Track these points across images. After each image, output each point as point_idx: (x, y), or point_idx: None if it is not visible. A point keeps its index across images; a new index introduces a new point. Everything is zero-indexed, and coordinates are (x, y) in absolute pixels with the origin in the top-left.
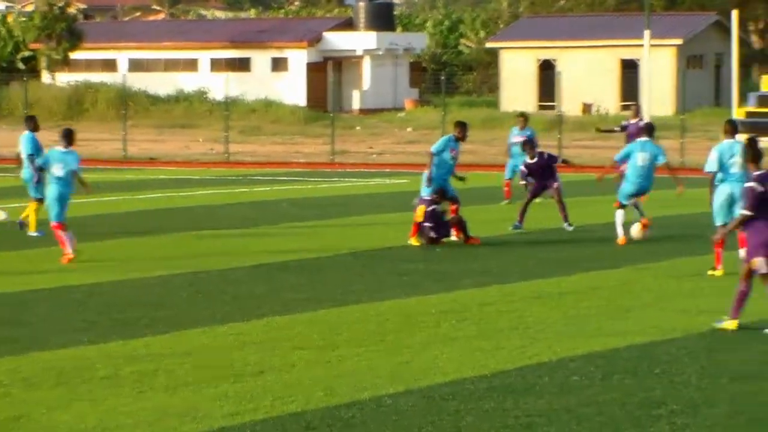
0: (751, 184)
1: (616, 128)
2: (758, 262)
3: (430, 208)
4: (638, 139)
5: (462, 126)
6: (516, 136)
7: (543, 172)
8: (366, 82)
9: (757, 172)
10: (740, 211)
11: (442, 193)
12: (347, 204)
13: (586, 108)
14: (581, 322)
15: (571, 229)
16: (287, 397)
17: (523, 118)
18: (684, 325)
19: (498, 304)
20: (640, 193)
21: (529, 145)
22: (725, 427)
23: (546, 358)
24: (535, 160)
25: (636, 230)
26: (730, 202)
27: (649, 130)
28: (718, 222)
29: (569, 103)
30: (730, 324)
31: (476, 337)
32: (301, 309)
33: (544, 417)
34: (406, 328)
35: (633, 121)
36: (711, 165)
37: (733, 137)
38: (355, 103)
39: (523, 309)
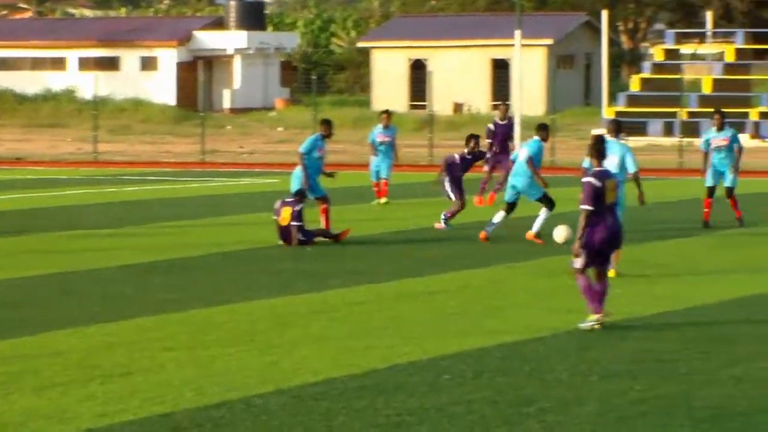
0: (589, 179)
1: (489, 140)
2: (578, 253)
3: (297, 209)
4: (532, 138)
5: (327, 123)
6: (380, 134)
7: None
8: (237, 81)
9: (597, 168)
10: (580, 207)
11: (304, 194)
12: (218, 204)
13: (457, 107)
14: (452, 320)
15: (443, 227)
16: (156, 397)
17: (387, 115)
18: (554, 324)
19: (369, 303)
20: (518, 190)
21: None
22: (595, 425)
23: (417, 357)
24: (505, 122)
25: (558, 234)
26: None
27: (542, 129)
28: None
29: (440, 103)
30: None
31: (347, 337)
32: (171, 309)
33: (414, 416)
34: (276, 327)
35: (502, 122)
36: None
37: (617, 136)
38: (226, 103)
39: (394, 308)
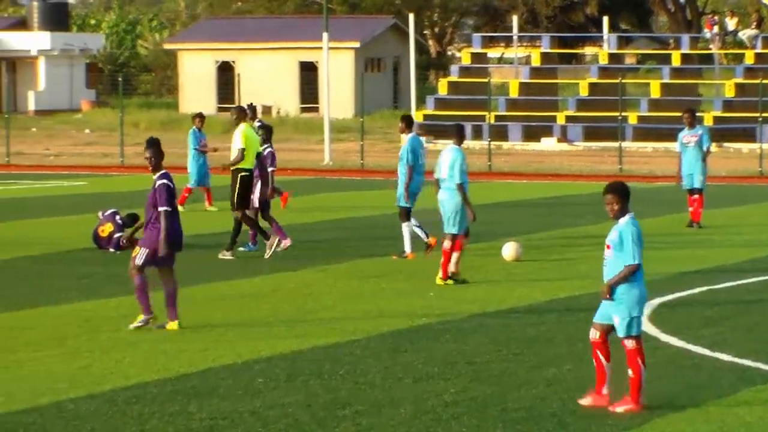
0: (165, 181)
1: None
2: (140, 251)
3: (117, 236)
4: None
5: None
6: (202, 138)
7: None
8: (41, 82)
9: (162, 172)
10: (160, 208)
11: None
12: (23, 206)
13: (266, 110)
14: (265, 324)
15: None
16: None
17: (201, 118)
18: (367, 327)
19: (180, 307)
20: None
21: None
22: (410, 427)
23: (230, 360)
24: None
25: (508, 252)
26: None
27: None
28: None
29: None
30: (172, 325)
31: (159, 341)
32: None
33: (228, 419)
34: (86, 332)
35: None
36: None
37: (460, 143)
38: (31, 104)
39: (206, 312)
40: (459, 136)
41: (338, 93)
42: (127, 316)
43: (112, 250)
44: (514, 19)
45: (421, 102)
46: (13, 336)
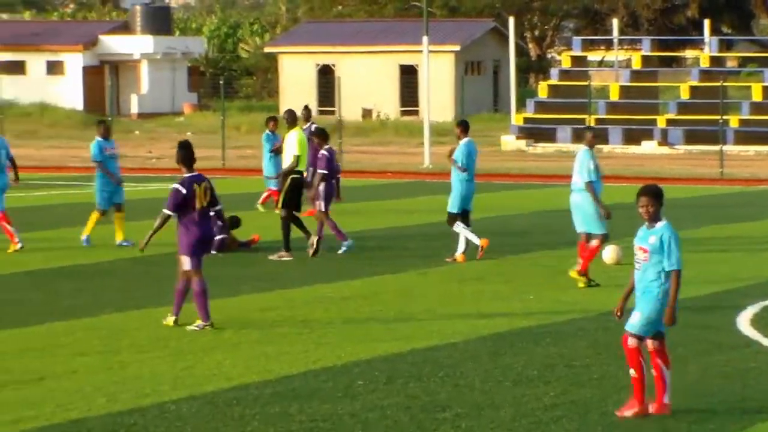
0: (176, 185)
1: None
2: (183, 259)
3: (219, 237)
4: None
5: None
6: (276, 141)
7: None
8: (144, 86)
9: (188, 175)
10: (163, 210)
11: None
12: (127, 209)
13: (366, 113)
14: (364, 326)
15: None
16: (69, 404)
17: (273, 121)
18: (467, 330)
19: (281, 309)
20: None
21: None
22: (509, 430)
23: (330, 362)
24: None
25: (608, 255)
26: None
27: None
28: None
29: (349, 109)
30: (169, 319)
31: (260, 342)
32: (82, 315)
33: (328, 422)
34: (188, 333)
35: (305, 126)
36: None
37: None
38: (134, 108)
39: (306, 314)
40: (589, 137)
41: (438, 96)
42: (230, 318)
43: (213, 252)
44: (615, 22)
45: (521, 105)
46: (118, 337)
